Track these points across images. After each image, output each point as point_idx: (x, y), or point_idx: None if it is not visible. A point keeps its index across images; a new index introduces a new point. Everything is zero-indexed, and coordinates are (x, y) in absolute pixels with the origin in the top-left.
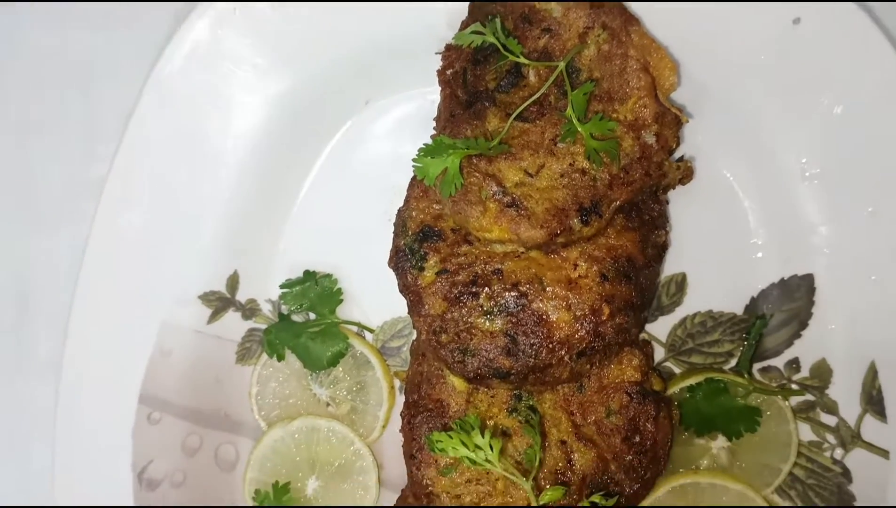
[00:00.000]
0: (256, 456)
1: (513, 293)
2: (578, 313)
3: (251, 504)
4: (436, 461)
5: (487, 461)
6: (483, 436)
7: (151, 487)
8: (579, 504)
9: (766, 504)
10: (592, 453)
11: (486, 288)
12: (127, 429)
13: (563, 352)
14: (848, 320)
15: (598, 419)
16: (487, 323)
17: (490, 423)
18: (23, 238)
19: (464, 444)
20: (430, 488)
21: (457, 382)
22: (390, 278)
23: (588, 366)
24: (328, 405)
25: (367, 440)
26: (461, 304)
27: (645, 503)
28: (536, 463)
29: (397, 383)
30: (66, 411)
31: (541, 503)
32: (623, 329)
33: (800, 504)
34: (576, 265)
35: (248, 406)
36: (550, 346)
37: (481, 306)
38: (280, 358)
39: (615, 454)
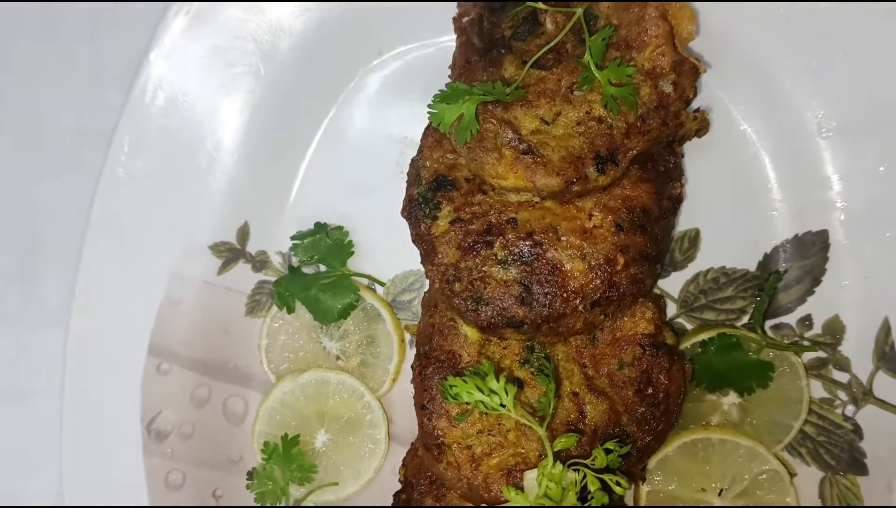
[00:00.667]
0: (265, 409)
1: (527, 243)
2: (593, 263)
3: (260, 457)
4: (447, 411)
5: (502, 405)
6: (497, 381)
7: (160, 438)
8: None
9: (776, 461)
10: (605, 405)
11: (501, 237)
12: (136, 380)
13: (577, 302)
14: (861, 276)
15: (611, 372)
16: (501, 272)
17: (502, 374)
18: (31, 187)
19: (479, 389)
20: (440, 439)
21: (469, 332)
22: (402, 231)
23: (602, 317)
24: (338, 358)
25: (377, 394)
26: (475, 253)
27: (655, 458)
28: (550, 410)
29: (408, 337)
30: (74, 361)
31: (554, 450)
32: (637, 280)
33: (810, 462)
34: (591, 215)
35: (258, 359)
36: (564, 295)
37: (495, 255)
38: (290, 311)
39: (627, 406)
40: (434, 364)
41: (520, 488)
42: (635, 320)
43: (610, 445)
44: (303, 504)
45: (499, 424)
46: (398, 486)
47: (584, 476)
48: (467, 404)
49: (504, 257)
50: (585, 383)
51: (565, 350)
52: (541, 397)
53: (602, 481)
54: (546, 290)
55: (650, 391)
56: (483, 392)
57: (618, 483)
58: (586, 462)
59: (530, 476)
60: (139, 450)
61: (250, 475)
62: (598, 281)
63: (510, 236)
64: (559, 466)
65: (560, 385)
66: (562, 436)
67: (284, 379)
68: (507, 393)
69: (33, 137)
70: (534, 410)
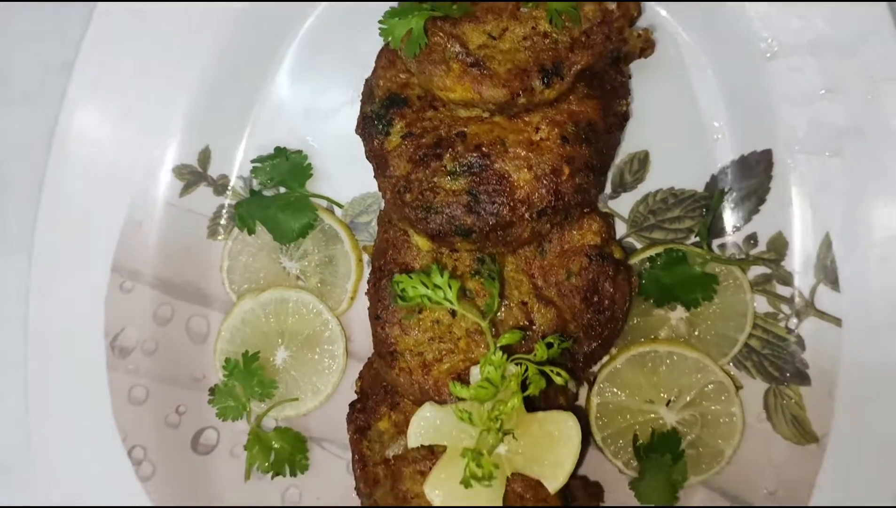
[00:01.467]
0: (226, 327)
1: (475, 154)
2: (539, 173)
3: (221, 374)
4: (399, 321)
5: (447, 299)
6: (441, 277)
7: (123, 354)
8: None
9: (723, 373)
10: (552, 313)
11: (450, 150)
12: (100, 298)
13: (523, 210)
14: (804, 194)
15: (559, 282)
16: (450, 182)
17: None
18: None
19: (423, 284)
20: (393, 346)
21: (421, 243)
22: (360, 155)
23: (548, 226)
24: (298, 278)
25: (336, 312)
26: (425, 165)
27: (605, 370)
28: (495, 307)
29: (365, 257)
30: (39, 279)
31: (498, 345)
32: (582, 189)
33: (755, 375)
34: (538, 129)
35: (220, 280)
36: (512, 204)
37: (445, 167)
38: (251, 232)
39: (574, 313)
40: (388, 277)
41: (466, 384)
42: (583, 232)
43: (551, 339)
44: (263, 420)
45: (450, 332)
46: None
47: (527, 369)
48: (419, 312)
49: (453, 168)
50: (534, 292)
51: (515, 262)
52: (487, 300)
53: (543, 372)
54: (494, 199)
55: (596, 298)
56: (428, 287)
57: (558, 374)
58: (528, 356)
59: (475, 371)
60: (103, 366)
61: (212, 391)
62: (544, 190)
63: (459, 148)
64: (500, 353)
65: (509, 296)
66: (506, 333)
67: (245, 298)
68: (450, 288)
69: None
70: (483, 315)
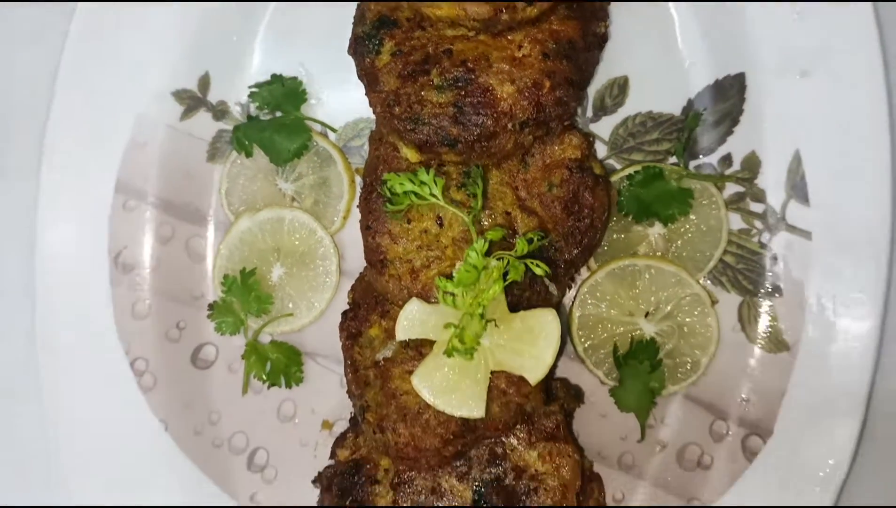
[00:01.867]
0: (225, 246)
1: (461, 69)
2: (521, 86)
3: (220, 290)
4: (389, 230)
5: (432, 195)
6: (427, 173)
7: (126, 270)
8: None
9: (699, 286)
10: (535, 221)
11: (437, 66)
12: (104, 217)
13: (506, 121)
14: (776, 114)
15: (541, 193)
16: (437, 96)
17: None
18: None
19: (410, 181)
20: (383, 254)
21: (410, 154)
22: (353, 83)
23: (531, 137)
24: (293, 199)
25: (330, 231)
26: (413, 80)
27: (586, 284)
28: (479, 204)
29: (358, 179)
30: (46, 201)
31: (483, 250)
32: (562, 102)
33: (730, 289)
34: (520, 46)
35: (218, 202)
36: (495, 115)
37: (432, 82)
38: (248, 154)
39: (556, 222)
40: (377, 189)
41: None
42: (563, 147)
43: (531, 235)
44: (260, 336)
45: (437, 241)
46: None
47: (508, 262)
48: (408, 222)
49: (440, 82)
50: (517, 203)
51: (499, 176)
52: (471, 203)
53: (525, 265)
54: (478, 110)
55: (576, 207)
56: (414, 184)
57: (537, 265)
58: (509, 252)
59: (459, 266)
60: (107, 281)
61: (211, 307)
62: (526, 102)
63: (446, 64)
64: (482, 241)
65: (493, 207)
66: (489, 231)
67: (243, 217)
68: (436, 184)
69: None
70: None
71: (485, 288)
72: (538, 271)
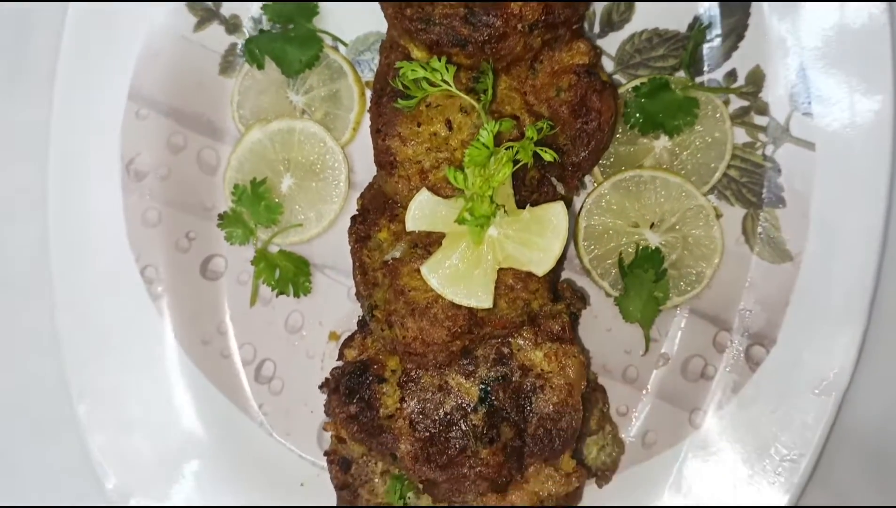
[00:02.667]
0: (236, 157)
1: None
2: None
3: (230, 200)
4: (399, 133)
5: (443, 81)
6: (440, 61)
7: (138, 178)
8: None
9: (704, 198)
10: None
11: None
12: (117, 125)
13: (516, 22)
14: (780, 28)
15: (549, 98)
16: None
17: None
18: None
19: (423, 68)
20: (393, 156)
21: (420, 56)
22: None
23: (539, 40)
24: (304, 112)
25: (339, 143)
26: None
27: (592, 195)
28: (489, 95)
29: (368, 92)
30: (60, 109)
31: (494, 132)
32: (571, 5)
33: (734, 202)
34: None
35: (230, 115)
36: (505, 17)
37: None
38: (260, 66)
39: (564, 125)
40: (388, 96)
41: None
42: (572, 53)
43: (540, 124)
44: (269, 247)
45: (446, 143)
46: None
47: (517, 151)
48: (418, 125)
49: None
50: (526, 108)
51: (508, 81)
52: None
53: (535, 153)
54: (489, 12)
55: (584, 110)
56: (426, 70)
57: (545, 151)
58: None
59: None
60: (119, 189)
61: (221, 217)
62: (536, 4)
63: None
64: (493, 122)
65: (501, 107)
66: (501, 121)
67: (254, 128)
68: (447, 70)
69: None
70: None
71: (494, 171)
72: (546, 157)
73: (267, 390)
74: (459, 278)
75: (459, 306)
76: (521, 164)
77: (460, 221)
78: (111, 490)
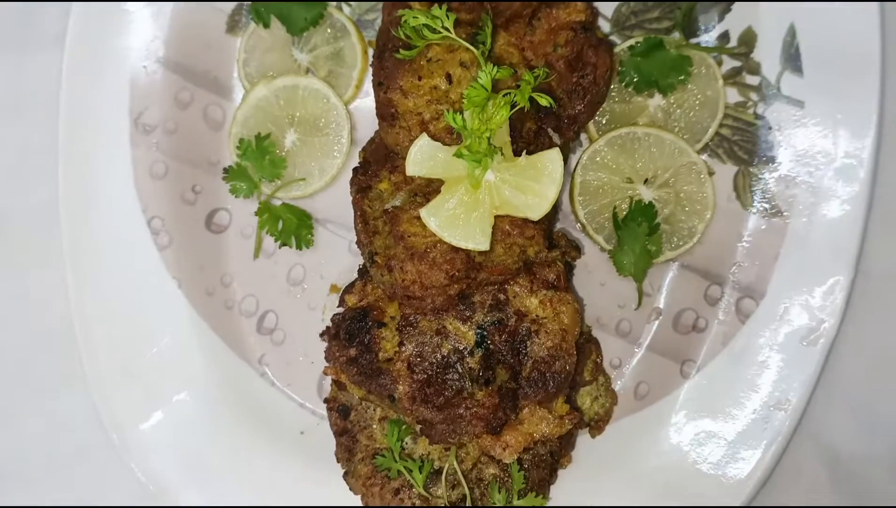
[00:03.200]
0: (241, 112)
1: None
2: None
3: (235, 155)
4: (400, 86)
5: (444, 28)
6: (440, 8)
7: (146, 132)
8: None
9: (697, 155)
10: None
11: None
12: (125, 78)
13: None
14: None
15: (546, 53)
16: None
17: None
18: None
19: (424, 15)
20: (394, 108)
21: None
22: None
23: None
24: (308, 70)
25: (343, 100)
26: None
27: (587, 151)
28: (488, 42)
29: (371, 51)
30: (70, 66)
31: (492, 75)
32: None
33: (726, 160)
34: None
35: (236, 73)
36: None
37: None
38: (266, 25)
39: (560, 79)
40: (390, 50)
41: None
42: (569, 11)
43: (538, 71)
44: (272, 200)
45: (447, 96)
46: None
47: (515, 96)
48: (419, 78)
49: None
50: (524, 63)
51: (506, 37)
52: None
53: (531, 100)
54: None
55: (580, 64)
56: (427, 17)
57: (542, 97)
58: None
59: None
60: (127, 142)
61: (226, 170)
62: None
63: None
64: (491, 64)
65: (499, 62)
66: (499, 69)
67: (259, 84)
68: (448, 17)
69: None
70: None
71: (492, 113)
72: (542, 102)
73: (269, 341)
74: (458, 221)
75: (457, 251)
76: (518, 107)
77: (458, 155)
78: (116, 439)
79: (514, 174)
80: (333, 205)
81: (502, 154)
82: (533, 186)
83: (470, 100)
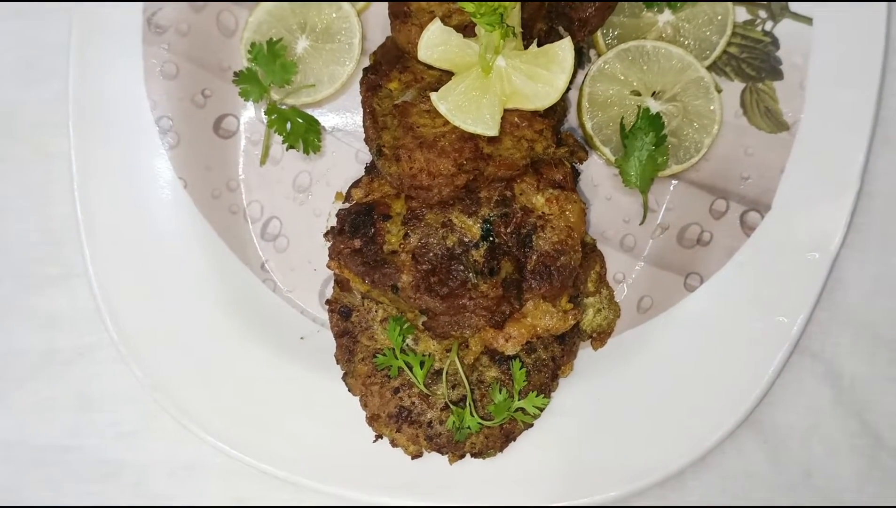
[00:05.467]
0: (254, 18)
1: None
2: None
3: (246, 58)
4: None
5: None
6: None
7: (159, 31)
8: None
9: (705, 70)
10: None
11: None
12: None
13: None
14: None
15: None
16: None
17: None
18: None
19: None
20: (407, 6)
21: None
22: None
23: None
24: None
25: (356, 9)
26: None
27: (595, 65)
28: None
29: None
30: None
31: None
32: None
33: (733, 77)
34: None
35: None
36: None
37: None
38: None
39: None
40: None
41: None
42: None
43: None
44: (282, 103)
45: None
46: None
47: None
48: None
49: None
50: None
51: None
52: None
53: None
54: None
55: None
56: None
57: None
58: None
59: None
60: (139, 40)
61: (236, 74)
62: None
63: None
64: None
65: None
66: None
67: None
68: None
69: None
70: None
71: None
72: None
73: (273, 247)
74: (468, 105)
75: (466, 140)
76: None
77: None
78: (115, 335)
79: (525, 62)
80: (342, 113)
81: (514, 35)
82: (543, 73)
83: None
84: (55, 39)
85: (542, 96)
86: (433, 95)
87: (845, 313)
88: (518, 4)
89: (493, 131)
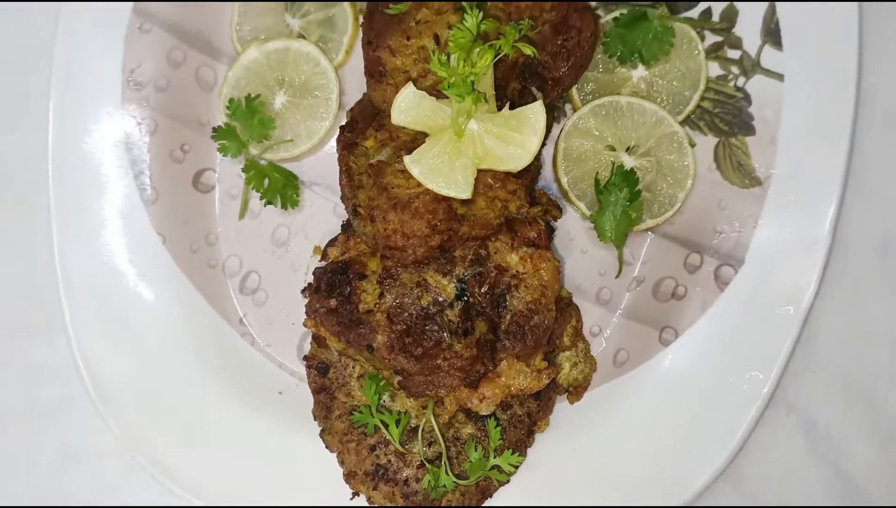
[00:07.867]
0: (232, 73)
1: None
2: None
3: (225, 114)
4: (389, 45)
5: None
6: None
7: (138, 88)
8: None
9: (678, 125)
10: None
11: None
12: (120, 36)
13: None
14: None
15: (533, 16)
16: None
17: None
18: None
19: None
20: (382, 66)
21: None
22: None
23: None
24: (300, 35)
25: (333, 64)
26: None
27: (570, 120)
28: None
29: (361, 18)
30: (65, 22)
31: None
32: None
33: (707, 132)
34: None
35: (229, 36)
36: None
37: None
38: None
39: (545, 42)
40: (379, 11)
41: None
42: None
43: (522, 24)
44: (261, 158)
45: (434, 53)
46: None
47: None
48: (407, 38)
49: None
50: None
51: (494, 3)
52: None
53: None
54: None
55: (565, 28)
56: None
57: (526, 47)
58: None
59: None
60: (119, 97)
61: (215, 130)
62: None
63: None
64: (477, 11)
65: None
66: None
67: (251, 47)
68: None
69: None
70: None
71: (478, 57)
72: (526, 51)
73: (251, 301)
74: (441, 168)
75: (440, 201)
76: (502, 54)
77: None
78: (92, 390)
79: (497, 125)
80: (320, 168)
81: (486, 100)
82: (515, 136)
83: (455, 43)
84: (36, 89)
85: (514, 158)
86: (406, 159)
87: (818, 363)
88: (490, 68)
89: (466, 194)
